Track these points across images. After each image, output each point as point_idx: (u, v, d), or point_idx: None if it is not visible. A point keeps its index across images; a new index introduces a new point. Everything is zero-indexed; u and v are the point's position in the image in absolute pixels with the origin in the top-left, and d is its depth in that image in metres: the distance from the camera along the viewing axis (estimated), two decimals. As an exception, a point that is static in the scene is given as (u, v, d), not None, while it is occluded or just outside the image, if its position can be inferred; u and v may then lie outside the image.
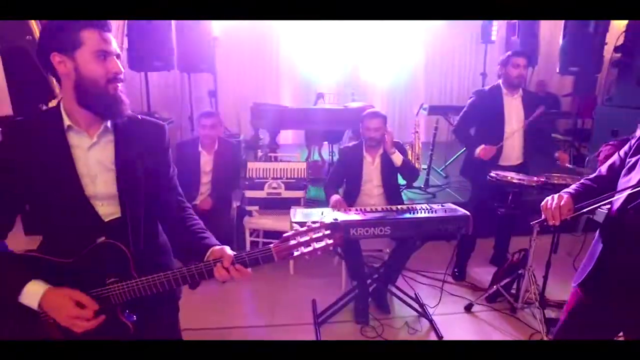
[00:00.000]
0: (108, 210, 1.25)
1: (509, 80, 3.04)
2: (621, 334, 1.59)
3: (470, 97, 3.25)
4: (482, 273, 3.38)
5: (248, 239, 3.42)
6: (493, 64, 6.29)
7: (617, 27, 5.56)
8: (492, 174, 2.64)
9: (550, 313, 2.78)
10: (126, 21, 4.37)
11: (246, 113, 5.72)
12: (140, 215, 1.29)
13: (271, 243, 1.20)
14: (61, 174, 1.20)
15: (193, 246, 1.32)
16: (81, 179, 1.21)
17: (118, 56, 1.21)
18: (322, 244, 1.18)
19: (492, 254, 3.56)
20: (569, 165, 3.16)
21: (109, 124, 1.26)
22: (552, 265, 2.73)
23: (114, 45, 1.20)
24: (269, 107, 4.75)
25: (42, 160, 1.19)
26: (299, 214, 2.61)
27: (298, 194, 3.49)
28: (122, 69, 1.21)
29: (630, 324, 1.52)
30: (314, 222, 1.21)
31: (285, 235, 1.20)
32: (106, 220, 1.25)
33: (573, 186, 1.65)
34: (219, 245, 1.29)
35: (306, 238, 1.18)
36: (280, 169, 3.60)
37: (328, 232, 1.18)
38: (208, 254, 1.26)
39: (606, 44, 5.33)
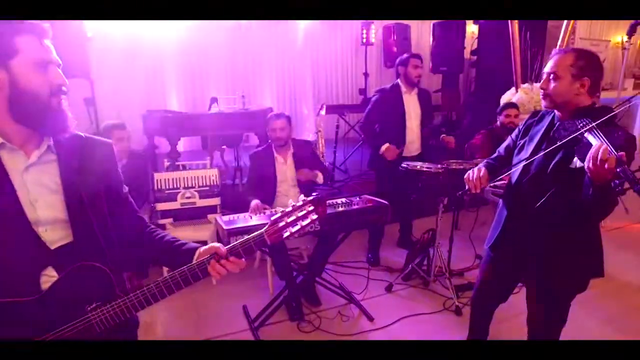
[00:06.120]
0: (54, 236, 1.12)
1: (409, 79, 3.34)
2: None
3: (374, 95, 3.52)
4: (393, 255, 3.71)
5: (164, 254, 3.22)
6: (373, 64, 6.89)
7: (472, 32, 6.53)
8: (404, 164, 2.92)
9: (457, 281, 3.19)
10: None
11: (134, 121, 5.30)
12: (97, 238, 1.18)
13: None
14: None
15: (175, 255, 1.26)
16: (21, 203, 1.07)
17: (59, 65, 1.09)
18: (308, 220, 1.23)
19: (399, 237, 3.92)
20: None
21: (51, 142, 1.13)
22: (453, 239, 3.14)
23: (55, 54, 1.09)
24: (168, 113, 4.50)
25: None
26: (240, 220, 2.55)
27: (213, 201, 3.40)
28: (66, 80, 1.10)
29: (528, 272, 1.88)
30: (297, 202, 1.26)
31: (273, 218, 1.23)
32: (52, 247, 1.11)
33: (483, 163, 1.97)
34: (203, 246, 1.26)
35: (293, 217, 1.23)
36: (191, 178, 3.45)
37: (312, 207, 1.24)
38: (196, 256, 1.22)
39: (464, 47, 6.22)
